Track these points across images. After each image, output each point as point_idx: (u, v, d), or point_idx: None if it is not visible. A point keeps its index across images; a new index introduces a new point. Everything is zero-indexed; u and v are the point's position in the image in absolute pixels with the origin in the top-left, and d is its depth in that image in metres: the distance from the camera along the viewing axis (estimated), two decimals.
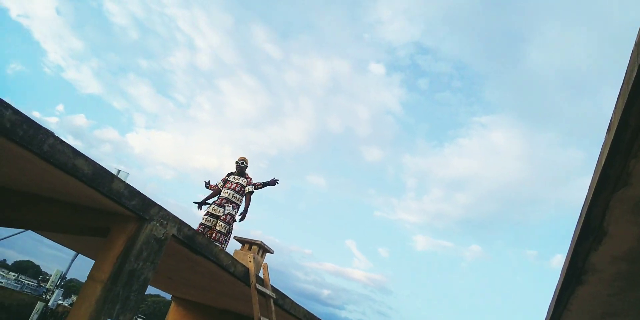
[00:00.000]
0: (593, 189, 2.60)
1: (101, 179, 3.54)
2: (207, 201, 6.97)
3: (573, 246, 3.43)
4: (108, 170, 3.55)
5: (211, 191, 7.13)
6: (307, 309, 7.64)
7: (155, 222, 4.21)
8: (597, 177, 2.48)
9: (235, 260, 5.70)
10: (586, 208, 2.83)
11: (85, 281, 4.46)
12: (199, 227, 6.52)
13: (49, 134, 3.03)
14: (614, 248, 3.19)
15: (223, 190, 6.89)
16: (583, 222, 3.00)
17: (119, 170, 7.59)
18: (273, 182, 6.99)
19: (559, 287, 4.45)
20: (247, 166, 7.11)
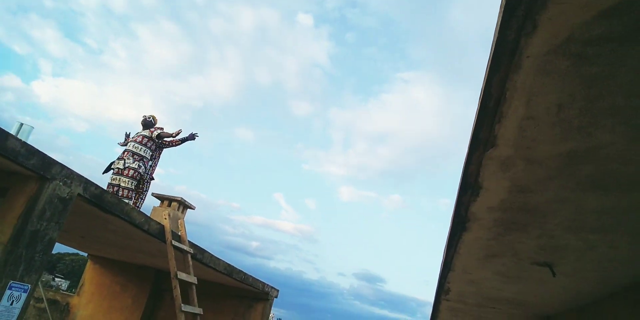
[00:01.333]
0: (468, 149, 2.94)
1: None
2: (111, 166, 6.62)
3: (456, 198, 3.88)
4: (2, 129, 3.33)
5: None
6: (235, 263, 7.90)
7: (58, 182, 4.07)
8: (470, 139, 2.80)
9: (149, 218, 5.69)
10: (464, 166, 3.20)
11: None
12: (108, 187, 6.31)
13: None
14: (489, 200, 3.66)
15: (127, 144, 6.59)
16: (462, 178, 3.40)
17: (22, 124, 7.00)
18: (192, 137, 6.82)
19: (449, 233, 5.03)
20: (154, 123, 6.85)
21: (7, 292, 4.33)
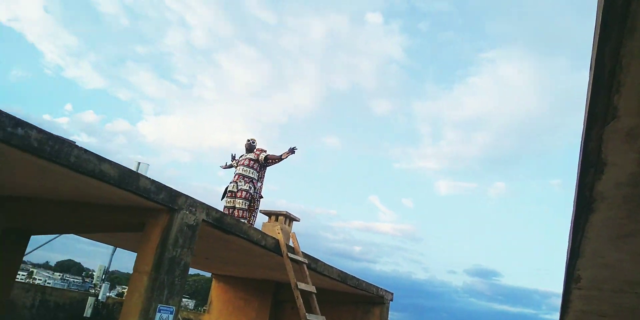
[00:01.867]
0: (585, 125, 2.74)
1: (128, 179, 3.80)
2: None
3: (578, 179, 3.62)
4: (133, 171, 3.79)
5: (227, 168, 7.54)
6: (340, 268, 8.07)
7: (185, 211, 4.50)
8: (587, 114, 2.62)
9: (265, 234, 6.04)
10: (582, 143, 2.99)
11: (132, 274, 4.82)
12: (224, 209, 6.83)
13: (72, 146, 3.25)
14: (616, 175, 3.37)
15: (236, 168, 7.17)
16: (582, 157, 3.17)
17: (139, 163, 7.85)
18: (292, 151, 7.18)
19: (573, 217, 4.68)
20: (255, 145, 7.34)
21: (157, 314, 4.83)
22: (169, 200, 4.30)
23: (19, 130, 2.97)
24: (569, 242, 5.65)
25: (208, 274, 12.26)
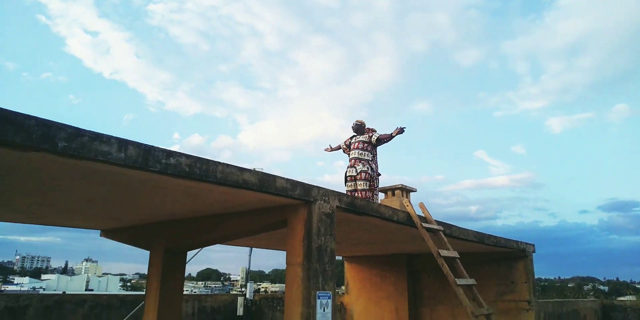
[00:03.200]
0: None
1: (267, 183, 4.03)
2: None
3: None
4: (269, 174, 4.02)
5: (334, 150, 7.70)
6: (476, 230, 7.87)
7: (320, 201, 4.67)
8: None
9: (395, 209, 6.07)
10: None
11: (286, 267, 5.13)
12: (347, 193, 7.02)
13: (216, 163, 3.52)
14: None
15: (350, 152, 7.32)
16: None
17: (254, 169, 8.37)
18: (401, 131, 7.18)
19: None
20: (364, 125, 7.44)
21: (317, 301, 5.09)
22: (304, 194, 4.49)
23: (172, 160, 3.27)
24: None
25: (337, 258, 12.73)
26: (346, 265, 12.21)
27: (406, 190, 7.34)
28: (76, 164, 2.98)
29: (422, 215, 6.55)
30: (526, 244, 9.32)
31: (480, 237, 7.79)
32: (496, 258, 9.61)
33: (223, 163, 3.61)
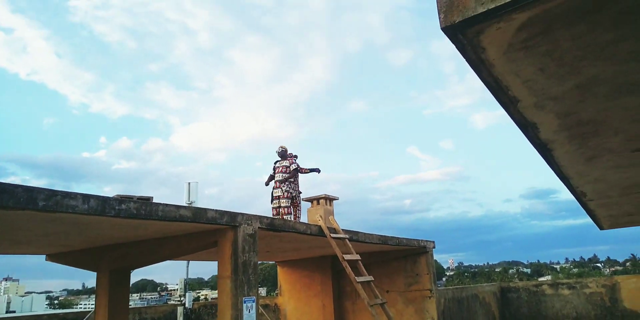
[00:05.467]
0: (502, 107, 3.83)
1: (199, 215, 5.13)
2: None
3: (523, 133, 4.71)
4: (202, 208, 5.12)
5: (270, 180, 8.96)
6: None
7: (244, 225, 5.83)
8: (499, 102, 3.70)
9: (309, 224, 7.37)
10: (509, 115, 4.08)
11: (218, 280, 6.24)
12: (273, 209, 8.33)
13: (157, 204, 4.57)
14: (547, 128, 4.45)
15: (276, 175, 8.61)
16: (515, 121, 4.26)
17: (189, 183, 9.21)
18: (317, 170, 8.65)
19: (541, 154, 5.77)
20: (286, 150, 8.73)
21: (244, 305, 6.26)
22: (231, 221, 5.63)
23: (123, 206, 4.29)
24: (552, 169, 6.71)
25: (271, 262, 13.86)
26: (279, 269, 13.42)
27: (329, 199, 8.72)
28: (51, 216, 3.94)
29: (332, 226, 7.92)
30: (426, 241, 11.06)
31: (384, 240, 9.33)
32: (404, 255, 11.28)
33: (163, 204, 4.67)
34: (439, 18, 2.54)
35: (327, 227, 7.69)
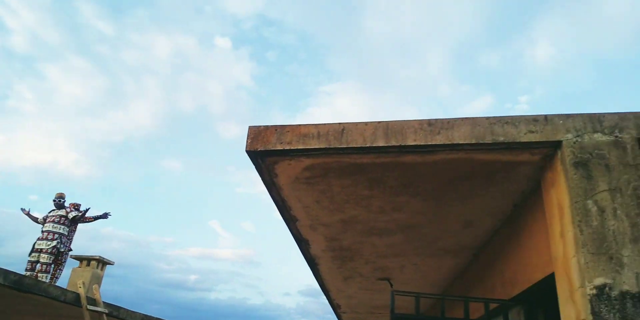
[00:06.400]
0: (286, 224, 4.52)
1: None
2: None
3: (297, 246, 5.47)
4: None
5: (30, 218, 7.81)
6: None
7: None
8: (284, 219, 4.38)
9: (65, 289, 6.61)
10: (289, 230, 4.79)
11: None
12: (28, 263, 7.16)
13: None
14: (317, 246, 5.29)
15: (44, 225, 7.50)
16: (293, 235, 4.98)
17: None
18: (105, 216, 7.85)
19: (309, 266, 6.62)
20: (64, 201, 7.81)
21: None
22: None
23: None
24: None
25: None
26: None
27: (103, 262, 7.99)
28: None
29: (94, 297, 7.23)
30: None
31: (148, 318, 8.78)
32: None
33: None
34: (246, 142, 3.09)
35: (87, 296, 6.99)
